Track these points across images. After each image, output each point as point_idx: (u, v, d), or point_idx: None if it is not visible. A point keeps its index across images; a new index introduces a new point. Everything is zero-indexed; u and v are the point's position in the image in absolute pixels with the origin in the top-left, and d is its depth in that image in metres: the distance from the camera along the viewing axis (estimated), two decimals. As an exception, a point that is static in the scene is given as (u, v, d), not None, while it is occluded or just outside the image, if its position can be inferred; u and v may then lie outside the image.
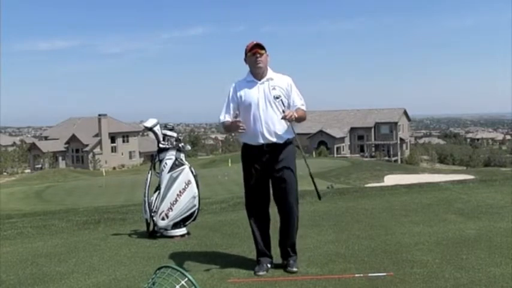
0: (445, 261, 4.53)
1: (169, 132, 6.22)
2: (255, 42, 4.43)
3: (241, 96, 4.47)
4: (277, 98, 4.40)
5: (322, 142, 76.75)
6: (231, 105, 4.51)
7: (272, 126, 4.39)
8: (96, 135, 77.36)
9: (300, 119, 4.46)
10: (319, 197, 4.64)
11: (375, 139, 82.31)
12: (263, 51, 4.41)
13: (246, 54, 4.46)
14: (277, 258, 4.63)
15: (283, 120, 4.38)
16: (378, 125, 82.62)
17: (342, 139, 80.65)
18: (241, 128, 4.33)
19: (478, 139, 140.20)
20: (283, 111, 4.33)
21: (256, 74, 4.47)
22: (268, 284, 4.16)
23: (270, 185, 4.54)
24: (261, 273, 4.39)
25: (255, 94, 4.43)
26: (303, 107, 4.51)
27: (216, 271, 4.51)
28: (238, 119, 4.41)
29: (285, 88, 4.47)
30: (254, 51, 4.40)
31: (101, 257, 5.33)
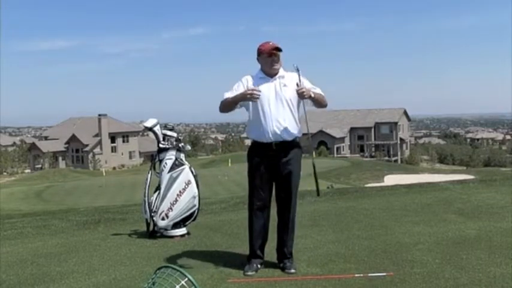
0: (445, 261, 4.53)
1: (169, 132, 6.22)
2: (274, 44, 4.39)
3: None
4: (298, 70, 4.37)
5: (322, 142, 76.74)
6: (240, 88, 4.42)
7: (282, 123, 4.37)
8: (96, 135, 77.35)
9: (319, 101, 4.41)
10: (318, 194, 4.68)
11: (375, 139, 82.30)
12: (279, 54, 4.40)
13: (259, 53, 4.43)
14: (273, 258, 4.64)
15: (293, 118, 4.39)
16: (377, 125, 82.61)
17: (342, 139, 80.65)
18: (256, 93, 4.22)
19: (478, 139, 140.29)
20: (297, 85, 4.28)
21: (270, 74, 4.45)
22: (268, 284, 4.16)
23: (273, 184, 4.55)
24: (249, 273, 4.40)
25: (266, 91, 4.39)
26: (322, 93, 4.45)
27: (216, 271, 4.51)
28: (251, 88, 4.26)
29: (295, 85, 4.44)
30: (271, 53, 4.37)
31: (101, 257, 5.33)
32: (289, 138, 4.42)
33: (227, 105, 4.45)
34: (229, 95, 4.42)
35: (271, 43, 4.41)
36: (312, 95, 4.31)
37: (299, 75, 4.37)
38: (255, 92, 4.24)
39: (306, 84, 4.43)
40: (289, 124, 4.40)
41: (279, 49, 4.39)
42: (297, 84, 4.30)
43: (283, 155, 4.43)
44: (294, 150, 4.47)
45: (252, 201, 4.56)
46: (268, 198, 4.55)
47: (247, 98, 4.28)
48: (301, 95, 4.25)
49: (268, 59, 4.40)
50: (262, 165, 4.45)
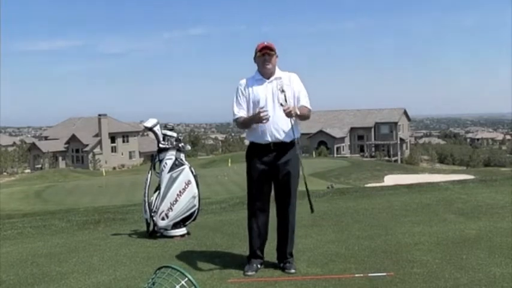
0: (445, 261, 4.53)
1: (169, 132, 6.22)
2: (265, 43, 4.43)
3: (249, 94, 4.47)
4: (283, 91, 4.37)
5: (322, 142, 76.75)
6: (242, 100, 4.49)
7: (280, 125, 4.38)
8: (96, 135, 77.36)
9: (303, 117, 4.42)
10: (312, 210, 4.49)
11: (375, 139, 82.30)
12: (272, 53, 4.42)
13: (255, 53, 4.47)
14: (273, 258, 4.64)
15: (290, 120, 4.38)
16: (377, 125, 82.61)
17: (342, 139, 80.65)
18: (266, 116, 4.26)
19: (478, 139, 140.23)
20: (282, 105, 4.27)
21: (264, 73, 4.48)
22: (268, 284, 4.16)
23: (272, 185, 4.54)
24: (250, 273, 4.40)
25: (263, 92, 4.43)
26: (307, 105, 4.48)
27: (216, 271, 4.51)
28: (260, 108, 4.30)
29: (291, 86, 4.46)
30: (263, 52, 4.40)
31: (101, 257, 5.33)
32: (287, 140, 4.43)
33: (244, 126, 4.53)
34: (237, 110, 4.48)
35: (265, 43, 4.44)
36: (298, 113, 4.30)
37: (285, 96, 4.35)
38: (262, 114, 4.26)
39: (300, 89, 4.46)
40: (287, 125, 4.40)
41: (270, 48, 4.41)
42: (282, 104, 4.29)
43: (282, 155, 4.43)
44: (292, 151, 4.47)
45: (251, 201, 4.57)
46: (267, 198, 4.55)
47: (259, 121, 4.31)
48: (288, 114, 4.25)
49: (261, 58, 4.43)
50: (260, 166, 4.46)
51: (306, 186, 4.44)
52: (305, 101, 4.47)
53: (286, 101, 4.33)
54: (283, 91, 4.37)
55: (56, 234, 6.81)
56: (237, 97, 4.53)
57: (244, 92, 4.50)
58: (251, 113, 4.45)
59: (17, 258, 5.49)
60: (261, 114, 4.26)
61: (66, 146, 78.41)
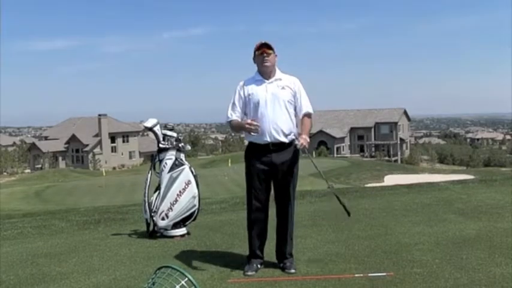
0: (445, 261, 4.53)
1: (169, 132, 6.22)
2: (263, 41, 4.45)
3: (249, 95, 4.48)
4: (289, 135, 4.43)
5: (322, 142, 76.74)
6: (238, 103, 4.52)
7: (279, 125, 4.40)
8: (96, 135, 77.36)
9: (310, 130, 4.49)
10: (349, 214, 4.41)
11: (375, 139, 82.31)
12: (270, 51, 4.43)
13: (254, 53, 4.47)
14: (273, 258, 4.64)
15: (289, 120, 4.43)
16: (377, 125, 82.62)
17: (342, 139, 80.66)
18: (255, 130, 4.33)
19: (478, 139, 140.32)
20: (294, 142, 4.36)
21: (264, 73, 4.48)
22: (268, 284, 4.16)
23: (272, 185, 4.55)
24: (249, 273, 4.41)
25: (263, 93, 4.43)
26: (310, 109, 4.52)
27: (216, 271, 4.51)
28: (253, 120, 4.37)
29: (293, 89, 4.49)
30: (262, 51, 4.41)
31: (101, 257, 5.33)
32: (286, 140, 4.43)
33: (236, 130, 4.66)
34: (230, 113, 4.52)
35: (263, 41, 4.45)
36: (308, 140, 4.36)
37: (295, 136, 4.43)
38: (253, 126, 4.31)
39: (302, 94, 4.51)
40: (286, 125, 4.42)
41: (268, 46, 4.41)
42: (295, 142, 4.38)
43: (281, 156, 4.44)
44: (291, 151, 4.47)
45: (250, 201, 4.57)
46: (266, 198, 4.55)
47: (247, 130, 4.36)
48: (303, 149, 4.31)
49: (260, 57, 4.44)
50: (260, 166, 4.46)
51: (336, 195, 4.46)
52: (306, 106, 4.51)
53: (298, 139, 4.37)
54: (289, 134, 4.43)
55: (56, 234, 6.82)
56: (233, 99, 4.54)
57: (242, 93, 4.51)
58: (251, 113, 4.47)
59: (17, 258, 5.49)
60: (252, 127, 4.31)
61: (66, 146, 78.40)
